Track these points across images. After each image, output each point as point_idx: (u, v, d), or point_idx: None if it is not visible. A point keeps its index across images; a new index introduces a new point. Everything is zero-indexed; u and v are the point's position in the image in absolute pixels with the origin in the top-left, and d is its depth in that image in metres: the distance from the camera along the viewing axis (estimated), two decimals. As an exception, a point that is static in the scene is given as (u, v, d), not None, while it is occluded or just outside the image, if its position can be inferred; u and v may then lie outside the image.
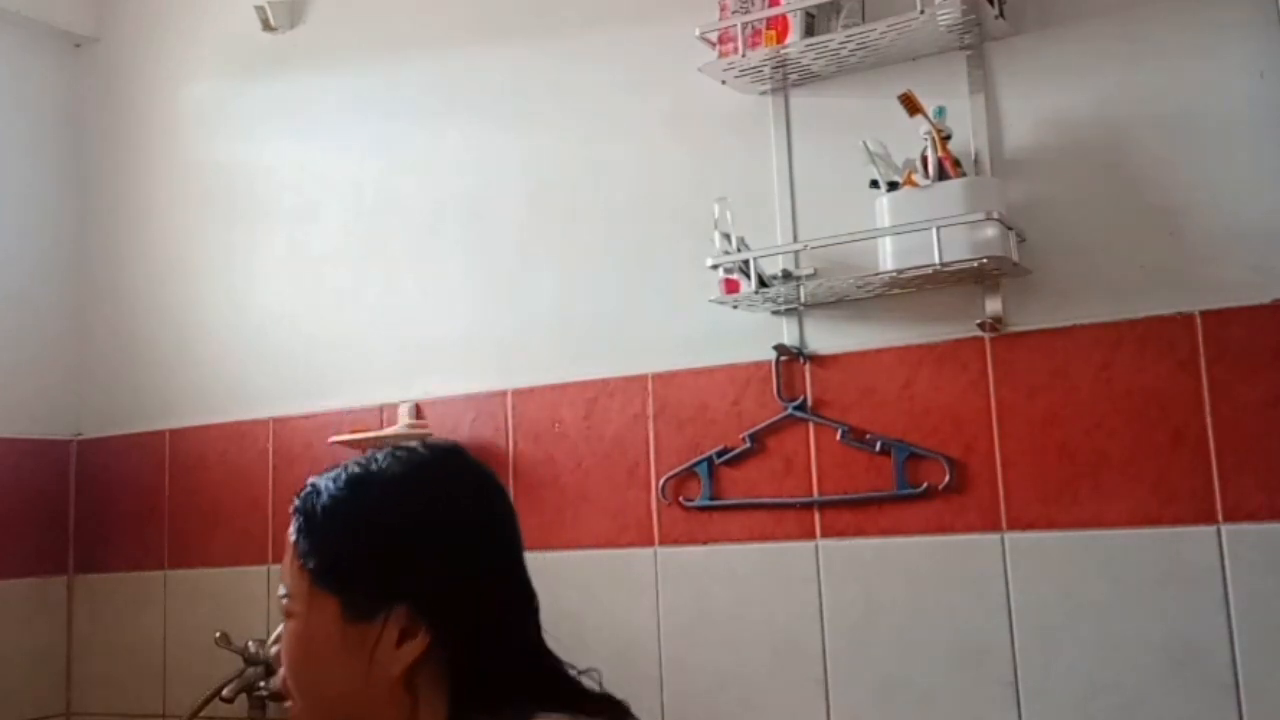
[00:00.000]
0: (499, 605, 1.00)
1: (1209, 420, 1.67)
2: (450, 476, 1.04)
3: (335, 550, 0.99)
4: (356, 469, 1.02)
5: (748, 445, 1.98)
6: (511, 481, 2.18)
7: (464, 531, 1.01)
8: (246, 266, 2.60)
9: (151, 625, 2.59)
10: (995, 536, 1.79)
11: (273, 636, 1.04)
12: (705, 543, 2.01)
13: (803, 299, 1.93)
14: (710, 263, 1.91)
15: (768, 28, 1.90)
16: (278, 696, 2.37)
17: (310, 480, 1.04)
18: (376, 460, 1.03)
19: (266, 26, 2.56)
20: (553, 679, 1.01)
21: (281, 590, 1.02)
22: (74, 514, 2.74)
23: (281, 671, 1.02)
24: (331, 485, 1.02)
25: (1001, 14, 1.80)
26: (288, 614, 1.01)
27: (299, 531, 1.01)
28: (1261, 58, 1.69)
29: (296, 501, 1.03)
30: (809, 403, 1.94)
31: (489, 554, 1.02)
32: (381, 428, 2.31)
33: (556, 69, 2.27)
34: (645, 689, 2.00)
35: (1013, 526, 1.78)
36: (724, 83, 2.00)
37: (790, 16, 1.88)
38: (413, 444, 1.07)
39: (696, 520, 2.01)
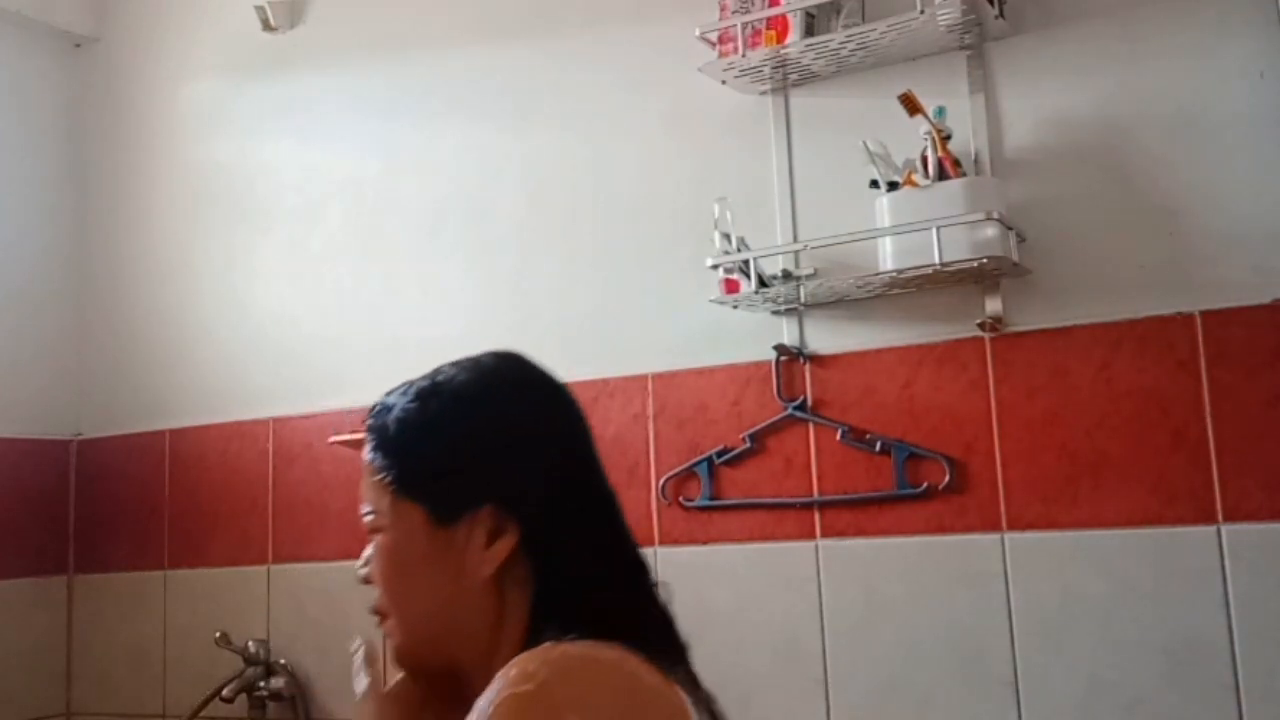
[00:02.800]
0: (583, 495, 1.00)
1: (1209, 420, 1.67)
2: (519, 376, 1.04)
3: (414, 458, 0.99)
4: (424, 382, 1.02)
5: (748, 445, 1.98)
6: (511, 481, 2.18)
7: (540, 424, 1.01)
8: (246, 266, 2.60)
9: (151, 625, 2.59)
10: (995, 536, 1.79)
11: (362, 559, 1.02)
12: (705, 543, 2.01)
13: (803, 299, 1.93)
14: (710, 263, 1.91)
15: (768, 28, 1.90)
16: (277, 696, 2.37)
17: (378, 401, 1.04)
18: (442, 372, 1.03)
19: (266, 26, 2.56)
20: (632, 587, 0.99)
21: (366, 509, 1.01)
22: (74, 514, 2.74)
23: (376, 593, 1.01)
24: (401, 399, 1.01)
25: (1001, 14, 1.80)
26: (374, 530, 1.00)
27: (375, 449, 1.01)
28: (1261, 58, 1.69)
29: (370, 420, 1.03)
30: (809, 403, 1.94)
31: (566, 445, 1.01)
32: (381, 428, 2.31)
33: (556, 69, 2.27)
34: (645, 689, 2.00)
35: (1013, 526, 1.78)
36: (724, 83, 2.00)
37: (790, 16, 1.88)
38: (473, 355, 1.05)
39: (696, 520, 2.01)
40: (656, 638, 0.94)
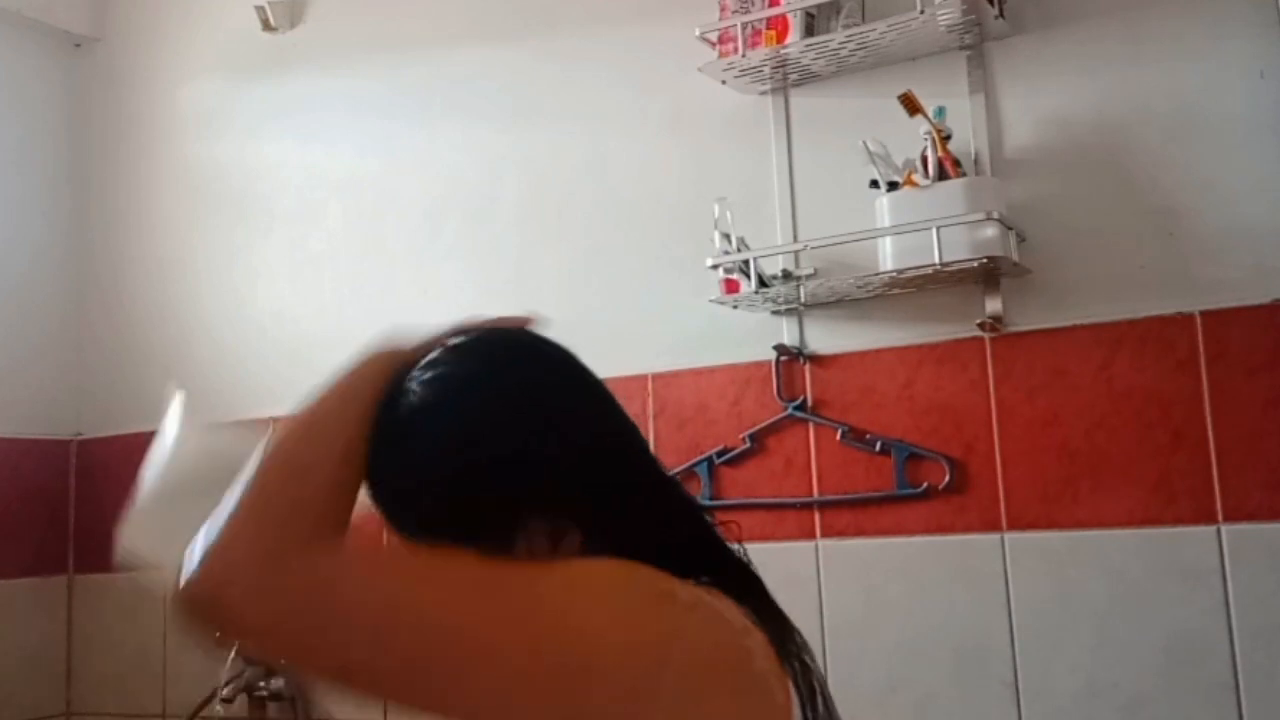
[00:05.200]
0: (621, 447, 0.91)
1: (1209, 420, 1.67)
2: (484, 363, 0.90)
3: (427, 512, 0.85)
4: (388, 423, 0.86)
5: (748, 445, 1.98)
6: (511, 481, 2.18)
7: (538, 400, 0.88)
8: (246, 266, 2.60)
9: (151, 625, 2.59)
10: (995, 536, 1.79)
11: None
12: (705, 543, 2.00)
13: (803, 299, 1.93)
14: (710, 263, 1.91)
15: (768, 28, 1.90)
16: (277, 696, 2.37)
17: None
18: (406, 395, 0.87)
19: (266, 26, 2.56)
20: (714, 539, 0.92)
21: None
22: (74, 514, 2.74)
23: None
24: (382, 451, 0.86)
25: (1001, 14, 1.80)
26: None
27: (388, 518, 0.88)
28: (1261, 58, 1.69)
29: (368, 491, 0.89)
30: (809, 403, 1.94)
31: (576, 405, 0.91)
32: (381, 428, 2.31)
33: (556, 69, 2.27)
34: (645, 689, 2.00)
35: (1013, 526, 1.78)
36: (724, 83, 2.00)
37: (790, 16, 1.88)
38: (424, 367, 0.89)
39: (696, 520, 2.01)
40: (763, 600, 0.88)
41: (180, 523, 0.91)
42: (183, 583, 0.76)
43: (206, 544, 0.77)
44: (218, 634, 0.75)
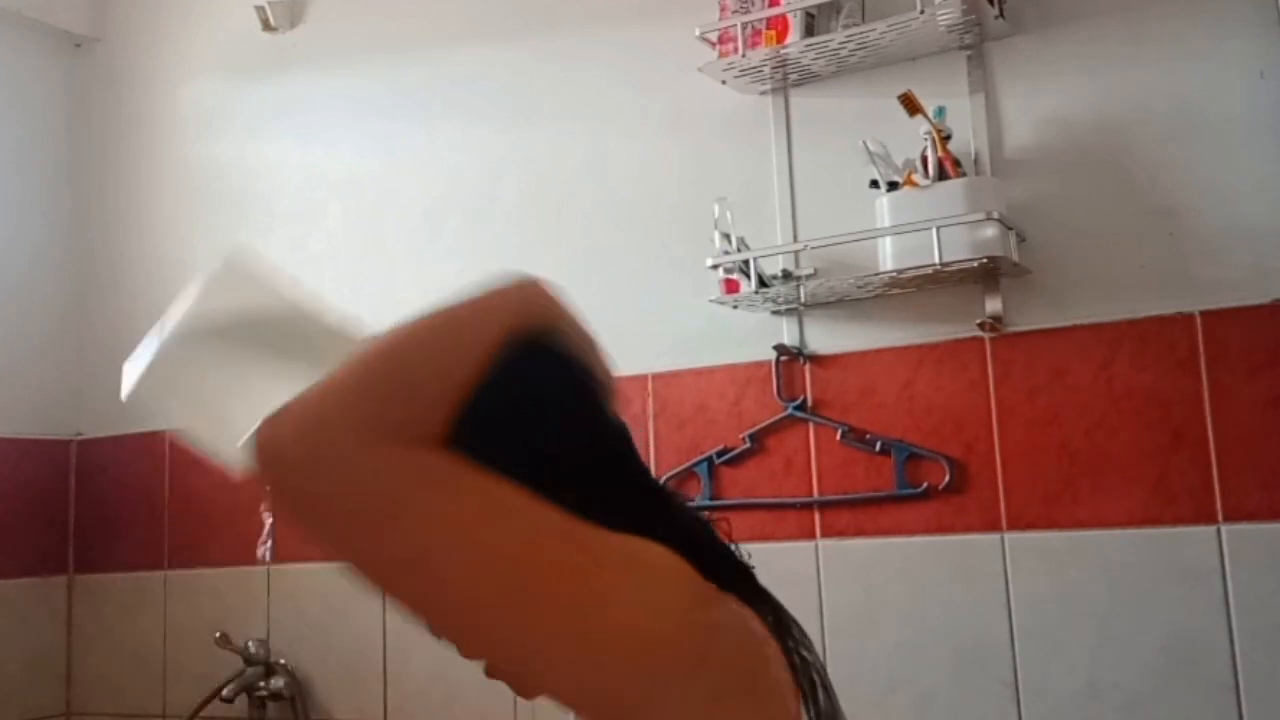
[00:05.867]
0: (620, 456, 0.89)
1: (1209, 420, 1.67)
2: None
3: None
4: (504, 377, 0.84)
5: (748, 445, 1.98)
6: (511, 481, 2.18)
7: (538, 408, 0.87)
8: (246, 266, 2.60)
9: (151, 625, 2.59)
10: (995, 536, 1.79)
11: None
12: (705, 543, 2.00)
13: (803, 299, 1.93)
14: (710, 263, 1.91)
15: (768, 28, 1.90)
16: (277, 696, 2.37)
17: None
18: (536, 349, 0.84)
19: (266, 26, 2.56)
20: (703, 537, 0.89)
21: None
22: (74, 514, 2.74)
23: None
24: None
25: (1001, 14, 1.80)
26: None
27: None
28: (1261, 58, 1.69)
29: None
30: (809, 403, 1.94)
31: (576, 411, 0.89)
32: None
33: (556, 69, 2.27)
34: (645, 689, 2.00)
35: (1013, 526, 1.78)
36: (724, 83, 2.00)
37: (790, 16, 1.88)
38: None
39: (696, 520, 2.01)
40: (761, 598, 0.87)
41: (209, 374, 0.86)
42: (261, 425, 0.71)
43: (291, 396, 0.72)
44: (269, 490, 0.70)
